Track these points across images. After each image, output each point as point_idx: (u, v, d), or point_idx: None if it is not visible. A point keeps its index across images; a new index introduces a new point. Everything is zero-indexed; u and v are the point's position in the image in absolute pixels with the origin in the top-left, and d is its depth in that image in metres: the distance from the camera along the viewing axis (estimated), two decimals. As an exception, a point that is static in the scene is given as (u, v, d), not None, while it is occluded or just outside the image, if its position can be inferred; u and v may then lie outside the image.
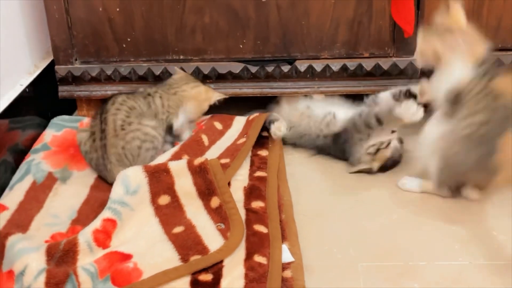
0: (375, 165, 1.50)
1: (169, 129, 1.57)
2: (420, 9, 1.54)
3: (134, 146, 1.44)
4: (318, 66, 1.62)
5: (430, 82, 1.42)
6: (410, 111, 1.42)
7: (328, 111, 1.58)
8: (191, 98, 1.58)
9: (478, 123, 1.29)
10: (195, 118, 1.62)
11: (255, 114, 1.62)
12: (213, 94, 1.61)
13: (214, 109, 1.67)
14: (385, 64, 1.61)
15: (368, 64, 1.61)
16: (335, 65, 1.62)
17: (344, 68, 1.62)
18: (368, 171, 1.51)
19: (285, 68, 1.63)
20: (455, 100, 1.33)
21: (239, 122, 1.63)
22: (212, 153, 1.50)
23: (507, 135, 1.27)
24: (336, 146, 1.56)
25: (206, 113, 1.67)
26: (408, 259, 1.24)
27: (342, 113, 1.57)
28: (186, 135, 1.62)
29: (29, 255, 1.17)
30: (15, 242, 1.21)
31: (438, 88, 1.39)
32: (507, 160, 1.27)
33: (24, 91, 1.61)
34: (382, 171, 1.52)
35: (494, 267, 1.21)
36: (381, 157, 1.50)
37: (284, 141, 1.62)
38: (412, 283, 1.18)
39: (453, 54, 1.36)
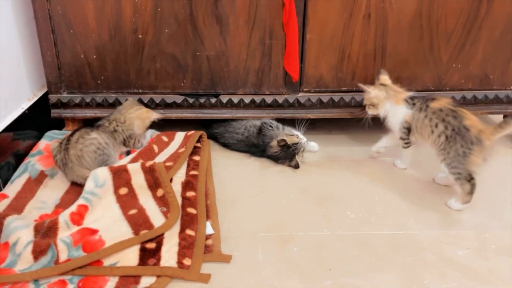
0: (289, 140, 1.50)
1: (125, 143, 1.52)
2: (303, 63, 1.56)
3: (91, 150, 1.36)
4: (235, 99, 1.61)
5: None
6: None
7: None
8: (136, 118, 1.51)
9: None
10: (141, 133, 1.54)
11: (192, 132, 1.60)
12: (152, 114, 1.53)
13: (166, 127, 1.64)
14: (280, 99, 1.61)
15: (269, 99, 1.61)
16: (247, 99, 1.61)
17: (252, 101, 1.61)
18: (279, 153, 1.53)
19: (213, 100, 1.61)
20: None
21: (179, 136, 1.59)
22: (160, 158, 1.46)
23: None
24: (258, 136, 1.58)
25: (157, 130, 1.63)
26: (291, 230, 1.24)
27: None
28: (142, 145, 1.57)
29: (21, 231, 1.11)
30: (11, 221, 1.15)
31: (393, 126, 1.47)
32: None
33: (24, 112, 1.52)
34: (284, 159, 1.53)
35: (346, 236, 1.23)
36: (292, 139, 1.51)
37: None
38: (293, 247, 1.18)
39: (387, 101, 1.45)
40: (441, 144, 1.33)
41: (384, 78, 1.49)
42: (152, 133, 1.61)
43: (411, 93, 1.45)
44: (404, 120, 1.42)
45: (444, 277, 1.09)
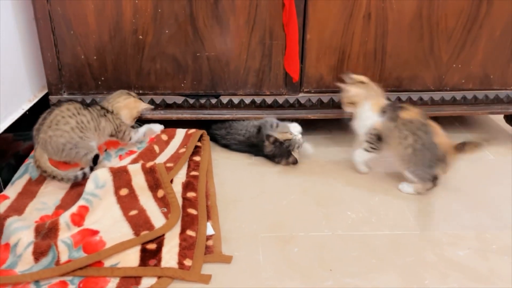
0: (280, 137, 1.50)
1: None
2: (303, 63, 1.56)
3: (59, 142, 1.33)
4: (235, 99, 1.61)
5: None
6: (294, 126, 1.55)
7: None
8: (123, 107, 1.49)
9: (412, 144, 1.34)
10: (129, 123, 1.52)
11: (193, 130, 1.59)
12: (141, 104, 1.51)
13: (167, 125, 1.64)
14: (280, 99, 1.61)
15: (269, 99, 1.61)
16: (247, 99, 1.61)
17: (253, 101, 1.61)
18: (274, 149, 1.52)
19: (213, 100, 1.61)
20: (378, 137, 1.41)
21: (179, 133, 1.59)
22: (161, 159, 1.46)
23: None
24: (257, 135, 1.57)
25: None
26: (292, 231, 1.24)
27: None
28: (137, 138, 1.55)
29: (22, 232, 1.11)
30: (12, 222, 1.14)
31: (359, 127, 1.45)
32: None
33: (25, 113, 1.52)
34: (280, 158, 1.53)
35: (347, 237, 1.23)
36: (284, 136, 1.50)
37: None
38: (294, 247, 1.18)
39: (366, 101, 1.42)
40: (407, 155, 1.35)
41: (358, 77, 1.47)
42: (146, 129, 1.59)
43: (388, 102, 1.44)
44: (373, 128, 1.41)
45: (445, 278, 1.09)
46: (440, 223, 1.27)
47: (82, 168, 1.38)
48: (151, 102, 1.59)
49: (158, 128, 1.62)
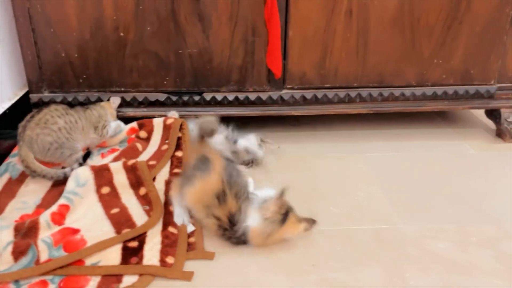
0: None
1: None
2: (286, 60, 1.56)
3: (46, 141, 1.32)
4: (219, 96, 1.60)
5: None
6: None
7: None
8: (105, 107, 1.50)
9: None
10: (111, 120, 1.52)
11: (171, 120, 1.55)
12: (111, 99, 1.53)
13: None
14: (263, 96, 1.60)
15: (252, 96, 1.60)
16: (230, 96, 1.60)
17: (236, 98, 1.60)
18: None
19: (196, 98, 1.60)
20: None
21: (158, 125, 1.55)
22: (144, 157, 1.44)
23: None
24: None
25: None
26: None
27: None
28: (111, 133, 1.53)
29: (1, 231, 1.09)
30: (-9, 222, 1.12)
31: None
32: None
33: (5, 112, 1.50)
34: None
35: (330, 232, 1.23)
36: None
37: None
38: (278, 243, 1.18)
39: None
40: None
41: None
42: (116, 125, 1.55)
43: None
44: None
45: (426, 270, 1.10)
46: (422, 217, 1.28)
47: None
48: (134, 99, 1.58)
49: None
